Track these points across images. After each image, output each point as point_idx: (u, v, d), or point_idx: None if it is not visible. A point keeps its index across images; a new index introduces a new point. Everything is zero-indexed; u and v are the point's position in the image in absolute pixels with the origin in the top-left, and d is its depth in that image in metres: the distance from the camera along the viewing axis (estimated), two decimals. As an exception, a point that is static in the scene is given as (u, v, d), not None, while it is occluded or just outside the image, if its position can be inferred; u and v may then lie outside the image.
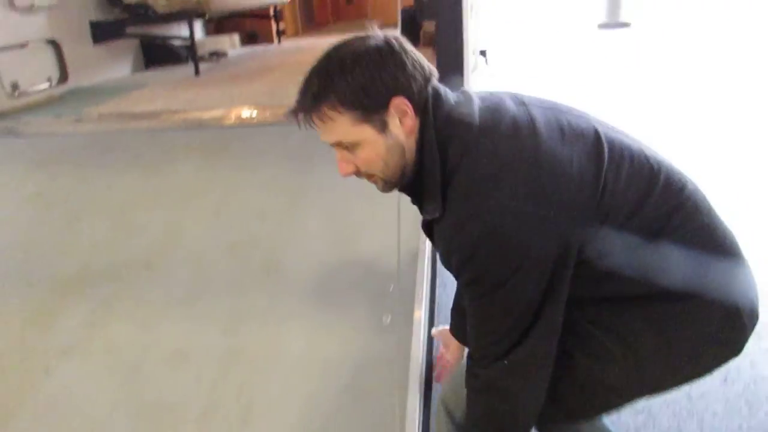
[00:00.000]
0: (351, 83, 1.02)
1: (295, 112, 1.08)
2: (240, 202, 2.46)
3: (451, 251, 1.07)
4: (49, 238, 2.31)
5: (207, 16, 4.39)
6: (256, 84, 3.93)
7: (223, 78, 4.25)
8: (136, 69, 4.79)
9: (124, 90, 3.91)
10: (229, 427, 1.59)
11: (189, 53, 4.75)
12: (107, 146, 3.04)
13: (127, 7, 4.27)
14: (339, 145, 1.09)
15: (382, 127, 1.05)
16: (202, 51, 4.67)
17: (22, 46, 3.57)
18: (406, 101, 1.05)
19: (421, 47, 4.39)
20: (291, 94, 3.06)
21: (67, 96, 3.80)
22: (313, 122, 1.07)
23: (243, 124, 3.24)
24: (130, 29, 4.39)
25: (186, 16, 4.29)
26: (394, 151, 1.08)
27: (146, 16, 4.28)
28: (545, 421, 1.34)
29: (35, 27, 3.67)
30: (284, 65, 4.62)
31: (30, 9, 3.56)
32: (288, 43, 6.35)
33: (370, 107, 1.03)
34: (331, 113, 1.04)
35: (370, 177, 1.14)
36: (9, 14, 3.45)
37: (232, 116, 3.24)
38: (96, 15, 4.26)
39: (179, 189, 2.58)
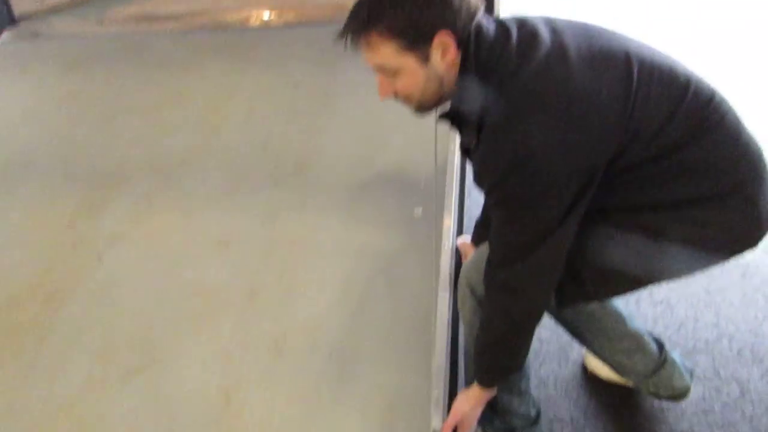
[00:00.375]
0: (400, 15, 1.08)
1: (342, 34, 1.14)
2: (270, 103, 2.48)
3: (483, 176, 1.16)
4: (88, 137, 2.38)
5: None
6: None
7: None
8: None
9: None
10: (273, 307, 1.70)
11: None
12: (134, 48, 3.04)
13: None
14: (380, 69, 1.15)
15: (425, 59, 1.12)
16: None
17: (41, -57, 3.49)
18: (449, 36, 1.10)
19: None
20: None
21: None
22: (360, 46, 1.13)
23: (268, 26, 3.20)
24: None
25: None
26: (433, 82, 1.16)
27: None
28: (562, 301, 1.44)
29: None
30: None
31: None
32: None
33: (416, 40, 1.10)
34: (378, 39, 1.10)
35: (406, 101, 1.21)
36: None
37: (257, 17, 3.20)
38: None
39: (210, 89, 2.61)
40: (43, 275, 1.83)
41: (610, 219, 1.27)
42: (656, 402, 1.97)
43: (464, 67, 1.14)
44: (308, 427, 1.41)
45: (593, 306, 1.79)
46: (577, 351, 2.21)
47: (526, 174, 1.08)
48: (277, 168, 2.17)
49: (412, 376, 1.51)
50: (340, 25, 1.14)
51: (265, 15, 3.24)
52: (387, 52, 1.11)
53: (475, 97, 1.13)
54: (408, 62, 1.12)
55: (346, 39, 1.14)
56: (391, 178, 2.14)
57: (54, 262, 1.87)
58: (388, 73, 1.15)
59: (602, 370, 2.17)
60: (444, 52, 1.12)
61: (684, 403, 1.94)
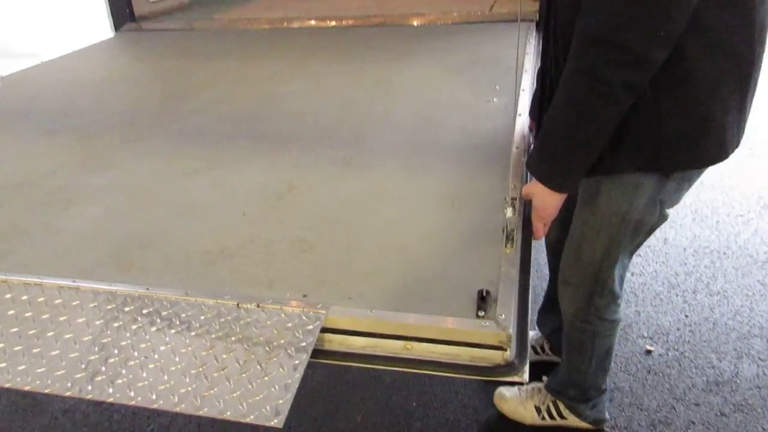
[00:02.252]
0: None
1: None
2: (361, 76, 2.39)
3: None
4: (171, 101, 2.24)
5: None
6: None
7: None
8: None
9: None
10: (345, 137, 1.68)
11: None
12: (222, 39, 3.24)
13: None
14: None
15: None
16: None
17: (159, -46, 3.91)
18: None
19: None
20: (392, 6, 3.10)
21: (193, 3, 4.11)
22: None
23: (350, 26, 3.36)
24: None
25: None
26: None
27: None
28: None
29: (170, -64, 4.02)
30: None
31: None
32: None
33: None
34: None
35: None
36: (150, -76, 3.80)
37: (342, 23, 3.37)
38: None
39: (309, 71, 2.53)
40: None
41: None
42: (710, 375, 2.04)
43: None
44: (375, 210, 1.31)
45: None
46: (636, 332, 2.27)
47: None
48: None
49: (486, 180, 1.39)
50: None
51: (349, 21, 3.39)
52: None
53: None
54: None
55: None
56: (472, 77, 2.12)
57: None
58: None
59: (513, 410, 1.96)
60: None
61: (738, 379, 2.02)
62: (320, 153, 1.59)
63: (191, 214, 1.30)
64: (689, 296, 2.36)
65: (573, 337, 1.67)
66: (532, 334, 2.02)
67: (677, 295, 2.39)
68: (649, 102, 1.15)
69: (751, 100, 1.22)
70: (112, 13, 3.52)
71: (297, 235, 1.19)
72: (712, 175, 2.91)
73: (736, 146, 1.23)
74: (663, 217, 1.37)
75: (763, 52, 1.17)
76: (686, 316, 2.28)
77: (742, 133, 1.24)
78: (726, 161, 1.24)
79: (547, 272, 1.97)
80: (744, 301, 2.36)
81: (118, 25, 3.53)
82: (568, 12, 1.18)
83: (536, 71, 2.02)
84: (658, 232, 2.58)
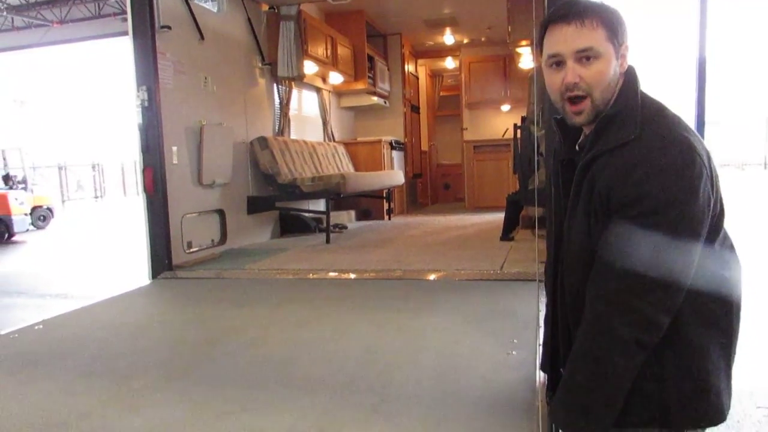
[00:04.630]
0: (610, 15, 1.34)
1: (564, 17, 1.33)
2: (383, 324, 2.64)
3: (639, 165, 1.23)
4: (193, 348, 2.30)
5: (341, 195, 5.18)
6: (379, 251, 4.42)
7: (351, 246, 4.78)
8: (273, 236, 5.48)
9: (270, 252, 4.52)
10: (368, 399, 1.71)
11: (318, 224, 5.52)
12: (262, 289, 3.43)
13: (279, 186, 5.15)
14: (583, 52, 1.32)
15: (617, 55, 1.34)
16: (327, 223, 5.32)
17: (200, 213, 4.38)
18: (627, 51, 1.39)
19: (521, 229, 4.79)
20: (409, 261, 3.45)
21: (224, 255, 4.45)
22: (578, 24, 1.32)
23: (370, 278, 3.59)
24: (278, 203, 5.24)
25: (325, 194, 5.12)
26: (613, 79, 1.34)
27: (293, 193, 5.15)
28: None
29: (211, 199, 4.53)
30: (399, 238, 5.14)
31: (211, 186, 4.46)
32: (397, 220, 6.98)
33: (617, 36, 1.33)
34: (595, 23, 1.32)
35: (583, 99, 1.35)
36: (196, 189, 4.32)
37: (363, 276, 3.63)
38: (253, 191, 5.15)
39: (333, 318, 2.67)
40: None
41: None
42: None
43: (628, 81, 1.35)
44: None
45: None
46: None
47: (691, 169, 1.21)
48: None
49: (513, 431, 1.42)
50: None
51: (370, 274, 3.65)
52: (598, 36, 1.31)
53: (638, 101, 1.32)
54: (609, 50, 1.31)
55: (569, 20, 1.31)
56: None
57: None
58: (590, 55, 1.31)
59: None
60: (623, 61, 1.35)
61: None
62: (348, 398, 1.64)
63: (223, 459, 1.31)
64: None
65: None
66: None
67: None
68: (653, 364, 1.27)
69: (731, 368, 1.35)
70: (151, 262, 3.84)
71: (330, 483, 1.19)
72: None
73: (729, 409, 1.33)
74: None
75: (739, 325, 1.35)
76: None
77: (731, 397, 1.33)
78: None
79: None
80: None
81: (155, 273, 3.84)
82: (576, 274, 1.36)
83: (545, 319, 2.16)
84: None
